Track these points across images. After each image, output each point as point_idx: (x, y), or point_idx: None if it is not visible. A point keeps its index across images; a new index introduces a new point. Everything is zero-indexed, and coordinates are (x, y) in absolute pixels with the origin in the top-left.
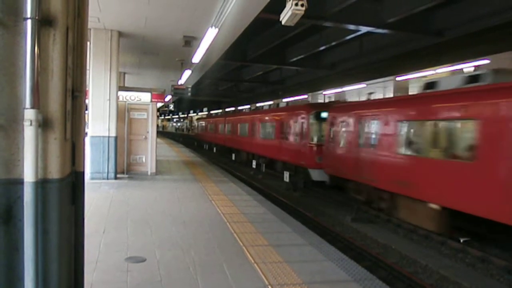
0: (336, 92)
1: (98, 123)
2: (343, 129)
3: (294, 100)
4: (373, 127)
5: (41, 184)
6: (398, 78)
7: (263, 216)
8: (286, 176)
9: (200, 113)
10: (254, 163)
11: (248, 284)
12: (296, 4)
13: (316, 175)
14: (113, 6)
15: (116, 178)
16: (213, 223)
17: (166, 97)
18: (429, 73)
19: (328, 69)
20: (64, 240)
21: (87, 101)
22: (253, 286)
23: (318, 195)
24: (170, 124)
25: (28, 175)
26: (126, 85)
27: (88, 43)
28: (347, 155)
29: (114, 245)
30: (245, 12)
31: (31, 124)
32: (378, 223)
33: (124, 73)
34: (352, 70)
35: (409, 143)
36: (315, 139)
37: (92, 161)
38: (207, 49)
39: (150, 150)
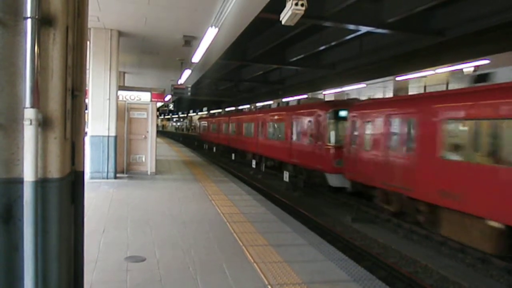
0: (336, 92)
1: (98, 123)
2: (369, 129)
3: (308, 98)
4: (410, 127)
5: (41, 184)
6: (398, 78)
7: (263, 216)
8: (286, 176)
9: (200, 113)
10: (254, 162)
11: (248, 284)
12: (296, 4)
13: (334, 180)
14: (113, 6)
15: (116, 177)
16: (213, 223)
17: (166, 96)
18: (429, 73)
19: (328, 69)
20: (64, 239)
21: (87, 100)
22: (253, 286)
23: (318, 195)
24: (170, 124)
25: (28, 174)
26: (126, 84)
27: (88, 42)
28: (374, 159)
29: (114, 244)
30: (245, 11)
31: (31, 124)
32: (378, 223)
33: (124, 73)
34: (352, 70)
35: (460, 147)
36: (333, 141)
37: (92, 161)
38: (207, 49)
39: (150, 150)
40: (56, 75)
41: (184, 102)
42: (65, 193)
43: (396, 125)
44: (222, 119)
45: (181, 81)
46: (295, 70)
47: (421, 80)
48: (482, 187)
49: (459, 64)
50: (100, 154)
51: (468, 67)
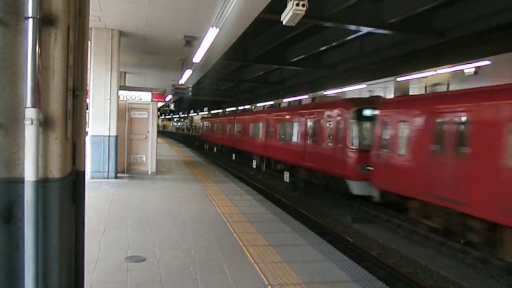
0: (337, 93)
1: (99, 123)
2: (406, 130)
3: (324, 96)
4: (464, 128)
5: (42, 183)
6: (398, 79)
7: (263, 216)
8: (286, 176)
9: (201, 113)
10: (254, 163)
11: (248, 284)
12: (297, 4)
13: (358, 188)
14: (114, 6)
15: (116, 177)
16: (213, 223)
17: (166, 96)
18: (430, 74)
19: (329, 70)
20: (65, 239)
21: (88, 100)
22: (253, 286)
23: (318, 195)
24: (171, 124)
25: (29, 174)
26: (126, 84)
27: (89, 42)
28: (413, 166)
29: (114, 244)
30: (246, 12)
31: (32, 123)
32: (378, 223)
33: (125, 73)
34: (353, 70)
35: None
36: (357, 143)
37: (93, 161)
38: (208, 49)
39: (150, 150)
40: (57, 75)
41: (184, 102)
42: (66, 193)
43: (445, 125)
44: (226, 119)
45: (182, 81)
46: (295, 71)
47: (422, 80)
48: None
49: (460, 64)
50: (100, 154)
51: (468, 68)
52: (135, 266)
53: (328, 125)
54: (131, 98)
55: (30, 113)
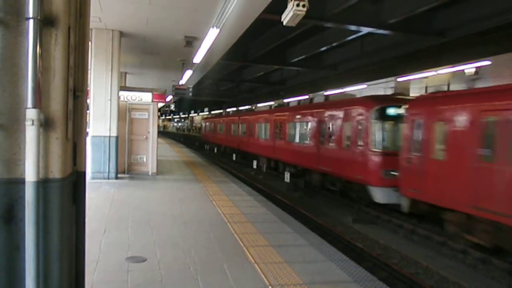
0: (337, 93)
1: (99, 123)
2: (445, 132)
3: (344, 94)
4: None
5: (43, 184)
6: (399, 79)
7: (263, 216)
8: (287, 176)
9: (201, 113)
10: (255, 163)
11: (249, 284)
12: (298, 5)
13: (381, 195)
14: (115, 6)
15: (117, 178)
16: (213, 223)
17: (167, 97)
18: (430, 74)
19: (329, 70)
20: (65, 239)
21: (88, 101)
22: (253, 286)
23: (319, 196)
24: (171, 124)
25: (30, 174)
26: (127, 85)
27: (90, 43)
28: (454, 173)
29: (115, 245)
30: (246, 12)
31: (32, 124)
32: (379, 223)
33: (126, 73)
34: (353, 70)
35: None
36: (380, 145)
37: (93, 161)
38: (208, 50)
39: (151, 150)
40: (58, 76)
41: (185, 102)
42: (67, 193)
43: (497, 126)
44: (230, 119)
45: (183, 81)
46: (296, 71)
47: (423, 81)
48: None
49: (460, 65)
50: (101, 155)
51: (469, 68)
52: (136, 267)
53: (346, 125)
54: (131, 98)
55: (31, 113)
